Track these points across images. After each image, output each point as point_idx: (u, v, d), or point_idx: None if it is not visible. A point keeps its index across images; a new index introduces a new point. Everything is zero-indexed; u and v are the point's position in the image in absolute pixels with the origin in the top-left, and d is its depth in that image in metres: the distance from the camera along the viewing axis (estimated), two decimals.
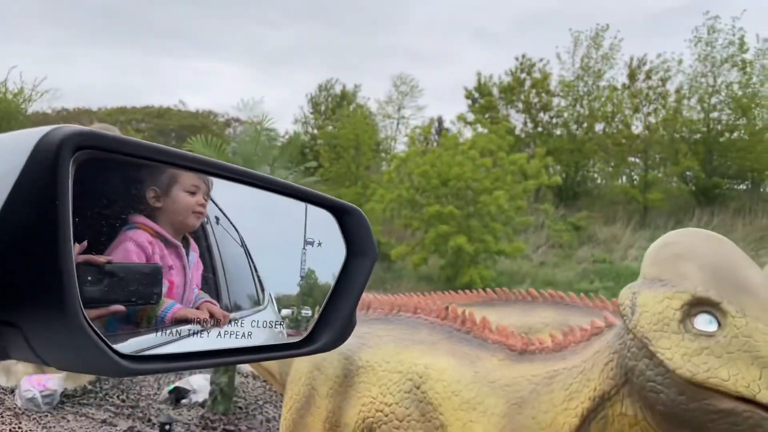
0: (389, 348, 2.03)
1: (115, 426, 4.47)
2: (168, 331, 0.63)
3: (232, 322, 0.71)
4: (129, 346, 0.61)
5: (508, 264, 17.93)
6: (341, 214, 0.78)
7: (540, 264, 18.52)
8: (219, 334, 0.68)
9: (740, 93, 20.06)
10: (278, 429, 4.73)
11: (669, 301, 1.41)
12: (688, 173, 20.77)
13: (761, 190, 20.88)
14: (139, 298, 0.61)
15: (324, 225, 0.82)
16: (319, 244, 0.82)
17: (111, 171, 0.63)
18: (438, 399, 1.82)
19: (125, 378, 5.61)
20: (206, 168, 0.70)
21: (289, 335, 0.97)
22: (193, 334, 0.65)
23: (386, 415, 1.91)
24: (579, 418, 1.61)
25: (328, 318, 0.77)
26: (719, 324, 1.36)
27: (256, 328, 0.74)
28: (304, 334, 0.86)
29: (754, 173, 20.63)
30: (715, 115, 20.65)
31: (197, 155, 0.68)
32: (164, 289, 0.65)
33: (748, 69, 20.01)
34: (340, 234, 0.79)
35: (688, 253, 1.46)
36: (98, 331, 0.51)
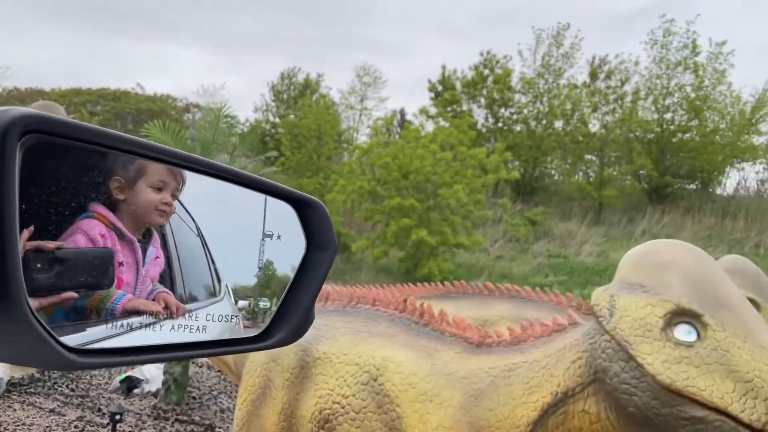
0: (347, 340, 2.03)
1: (64, 416, 4.36)
2: (118, 323, 0.61)
3: (187, 315, 0.69)
4: (77, 338, 0.58)
5: (466, 257, 18.12)
6: (302, 207, 0.76)
7: (497, 257, 18.78)
8: (172, 327, 0.66)
9: (693, 95, 20.67)
10: (233, 419, 4.68)
11: (652, 308, 1.44)
12: (641, 172, 21.32)
13: (710, 190, 21.60)
14: (90, 284, 0.59)
15: (284, 217, 0.81)
16: (279, 236, 0.81)
17: (67, 156, 0.60)
18: (395, 391, 1.82)
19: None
20: (164, 157, 0.67)
21: (246, 327, 0.96)
22: (145, 326, 0.62)
23: (343, 407, 1.90)
24: (538, 412, 1.63)
25: (286, 312, 0.75)
26: (698, 335, 1.40)
27: (211, 321, 0.72)
28: (261, 328, 0.85)
29: (703, 173, 21.32)
30: (668, 116, 21.24)
31: (155, 144, 0.65)
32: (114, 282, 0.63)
33: (700, 72, 20.62)
34: (300, 227, 0.77)
35: (671, 263, 1.49)
36: (43, 323, 0.49)
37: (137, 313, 0.66)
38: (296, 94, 28.64)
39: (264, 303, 0.93)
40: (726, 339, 1.36)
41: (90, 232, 0.62)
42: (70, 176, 0.61)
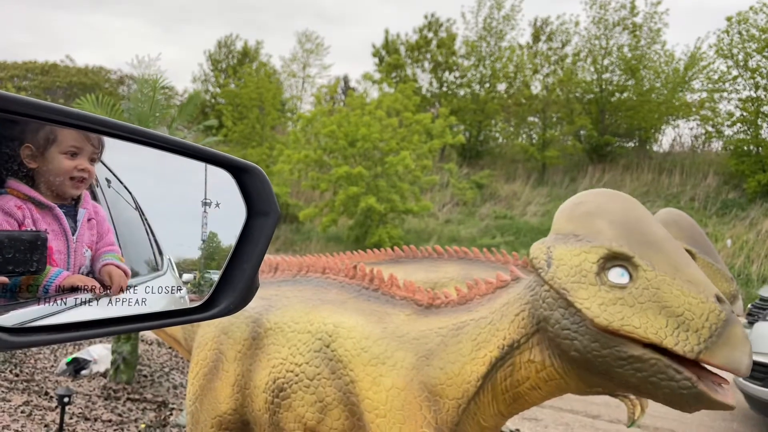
0: (298, 309, 2.02)
1: (9, 401, 4.22)
2: (53, 302, 0.58)
3: (126, 290, 0.66)
4: (11, 318, 0.56)
5: (415, 222, 18.29)
6: (240, 173, 0.74)
7: (445, 221, 19.02)
8: (110, 301, 0.64)
9: (630, 55, 21.16)
10: (185, 395, 4.64)
11: (586, 255, 1.49)
12: (582, 132, 21.83)
13: (647, 147, 22.30)
14: (19, 267, 0.56)
15: (223, 185, 0.78)
16: (218, 205, 0.78)
17: None
18: (348, 356, 1.84)
19: (13, 351, 5.29)
20: (92, 125, 0.63)
21: (192, 300, 0.93)
22: (82, 303, 0.60)
23: (296, 375, 1.90)
24: (486, 366, 1.68)
25: (230, 281, 0.74)
26: (631, 277, 1.46)
27: (151, 294, 0.70)
28: (205, 298, 0.83)
29: (641, 131, 21.98)
30: (607, 76, 21.71)
31: (81, 111, 0.61)
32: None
33: (637, 32, 21.10)
34: (239, 194, 0.75)
35: (599, 210, 1.54)
36: None
37: (74, 290, 0.63)
38: (235, 63, 27.90)
39: (212, 275, 0.91)
40: (656, 277, 1.43)
41: (5, 206, 0.59)
42: None
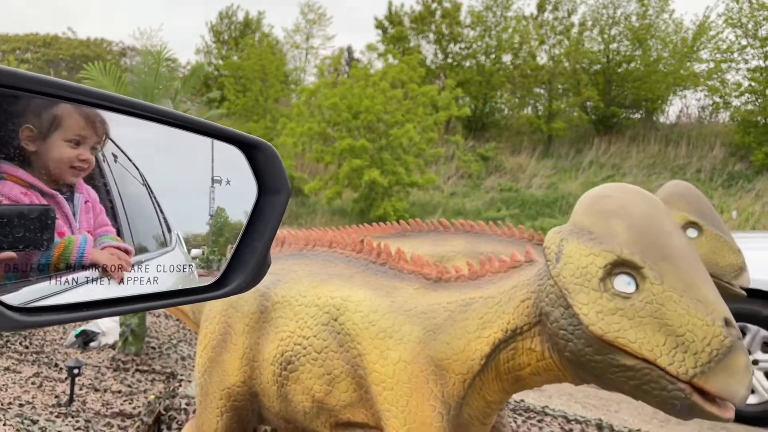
0: (305, 283, 2.02)
1: (20, 373, 4.28)
2: (63, 279, 0.57)
3: (136, 267, 0.66)
4: (20, 296, 0.55)
5: (420, 195, 18.27)
6: (251, 150, 0.73)
7: (450, 194, 18.99)
8: (122, 280, 0.63)
9: (637, 24, 20.84)
10: (193, 366, 4.69)
11: (594, 258, 1.44)
12: (588, 103, 21.61)
13: (654, 118, 22.10)
14: (29, 243, 0.55)
15: (232, 162, 0.77)
16: (228, 182, 0.77)
17: None
18: (355, 329, 1.84)
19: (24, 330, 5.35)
20: (102, 102, 0.62)
21: (201, 276, 0.93)
22: (92, 281, 0.59)
23: (304, 348, 1.92)
24: (490, 347, 1.67)
25: (242, 258, 0.73)
26: (637, 287, 1.40)
27: (162, 272, 0.69)
28: (217, 276, 0.82)
29: (647, 102, 21.75)
30: (614, 46, 21.41)
31: (90, 87, 0.59)
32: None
33: (645, 1, 20.75)
34: (250, 171, 0.74)
35: (620, 210, 1.47)
36: None
37: (96, 265, 0.62)
38: (237, 35, 27.60)
39: (220, 251, 0.90)
40: (663, 293, 1.37)
41: (10, 195, 0.56)
42: None
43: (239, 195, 0.80)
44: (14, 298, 0.54)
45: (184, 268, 0.74)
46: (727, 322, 1.37)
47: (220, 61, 26.91)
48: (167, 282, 0.70)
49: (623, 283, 1.41)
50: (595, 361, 1.44)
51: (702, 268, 1.45)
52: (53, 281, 0.59)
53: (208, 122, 0.69)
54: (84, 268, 0.61)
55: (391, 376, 1.75)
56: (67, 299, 0.57)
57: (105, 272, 0.64)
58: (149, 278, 0.66)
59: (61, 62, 28.24)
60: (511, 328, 1.64)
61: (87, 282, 0.62)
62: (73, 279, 0.61)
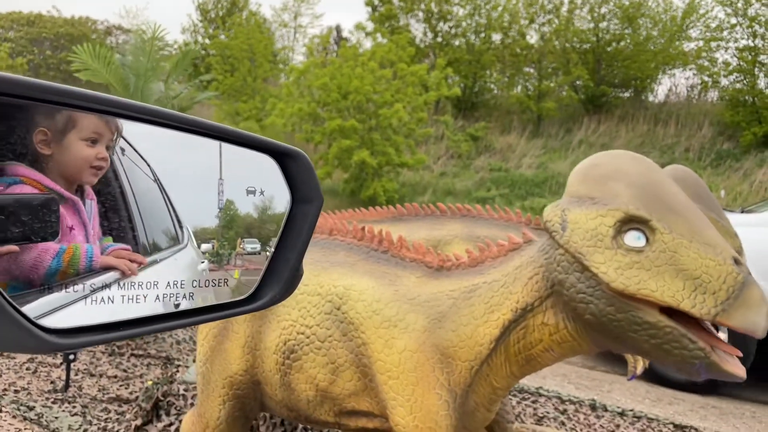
0: (307, 271, 2.01)
1: (14, 359, 4.26)
2: (78, 287, 0.55)
3: (172, 283, 0.64)
4: (39, 307, 0.53)
5: (410, 175, 18.24)
6: (283, 158, 0.71)
7: (440, 174, 18.97)
8: (157, 297, 0.61)
9: (627, 3, 20.76)
10: (189, 351, 4.69)
11: (602, 219, 1.46)
12: (578, 82, 21.58)
13: (643, 97, 22.13)
14: (33, 234, 0.53)
15: (263, 171, 0.75)
16: (262, 192, 0.76)
17: None
18: (359, 318, 1.84)
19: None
20: (113, 109, 0.59)
21: (211, 271, 0.91)
22: (129, 300, 0.58)
23: (307, 337, 1.91)
24: (500, 329, 1.68)
25: (275, 271, 0.71)
26: (647, 240, 1.43)
27: (198, 288, 0.68)
28: (229, 272, 0.81)
29: (636, 81, 21.76)
30: (603, 25, 21.34)
31: (98, 94, 0.57)
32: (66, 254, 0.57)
33: None
34: (283, 180, 0.72)
35: (616, 173, 1.50)
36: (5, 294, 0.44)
37: (108, 269, 0.61)
38: (224, 13, 27.22)
39: (253, 245, 0.88)
40: (673, 240, 1.41)
41: None
42: None
43: (272, 205, 0.78)
44: (34, 309, 0.52)
45: (219, 283, 0.73)
46: (736, 261, 1.40)
47: (207, 41, 26.56)
48: (202, 297, 0.69)
49: (633, 239, 1.44)
50: (618, 320, 1.46)
51: (701, 215, 1.50)
52: (70, 289, 0.57)
53: (241, 131, 0.67)
54: (97, 273, 0.60)
55: (397, 365, 1.75)
56: (102, 318, 0.55)
57: (123, 275, 0.62)
58: (185, 294, 0.65)
59: (45, 41, 27.73)
60: (521, 307, 1.65)
61: (104, 288, 0.61)
62: (92, 285, 0.59)
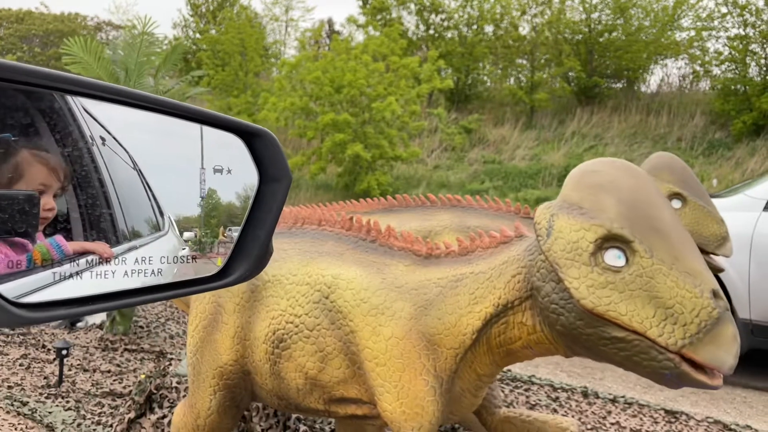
0: (295, 261, 2.02)
1: (7, 355, 4.26)
2: (64, 270, 0.57)
3: (140, 259, 0.65)
4: (17, 288, 0.54)
5: (404, 169, 18.23)
6: (250, 138, 0.72)
7: (434, 167, 18.98)
8: (126, 273, 0.62)
9: None
10: (182, 345, 4.69)
11: (585, 232, 1.46)
12: (570, 74, 21.58)
13: (635, 88, 22.15)
14: (15, 228, 0.54)
15: (232, 150, 0.76)
16: (229, 171, 0.76)
17: None
18: (347, 307, 1.85)
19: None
20: (98, 92, 0.60)
21: (194, 258, 0.92)
22: (98, 275, 0.59)
23: (296, 326, 1.93)
24: (482, 321, 1.70)
25: (244, 248, 0.72)
26: (627, 260, 1.43)
27: (166, 263, 0.69)
28: (212, 259, 0.82)
29: (629, 72, 21.77)
30: (595, 15, 21.33)
31: (79, 77, 0.58)
32: None
33: None
34: (251, 159, 0.73)
35: (610, 185, 1.49)
36: None
37: (85, 253, 0.62)
38: (215, 8, 27.08)
39: (212, 233, 0.90)
40: (652, 266, 1.40)
41: None
42: None
43: (236, 182, 0.79)
44: (11, 290, 0.52)
45: (187, 259, 0.74)
46: (714, 294, 1.39)
47: (198, 36, 26.43)
48: (171, 273, 0.70)
49: (613, 257, 1.44)
50: (587, 334, 1.47)
51: (690, 240, 1.48)
52: (49, 271, 0.58)
53: (208, 111, 0.68)
54: (73, 259, 0.60)
55: (384, 352, 1.77)
56: (71, 293, 0.56)
57: (101, 257, 0.63)
58: (153, 270, 0.65)
59: (35, 38, 27.55)
60: (503, 303, 1.66)
61: (87, 269, 0.61)
62: (78, 274, 0.59)
